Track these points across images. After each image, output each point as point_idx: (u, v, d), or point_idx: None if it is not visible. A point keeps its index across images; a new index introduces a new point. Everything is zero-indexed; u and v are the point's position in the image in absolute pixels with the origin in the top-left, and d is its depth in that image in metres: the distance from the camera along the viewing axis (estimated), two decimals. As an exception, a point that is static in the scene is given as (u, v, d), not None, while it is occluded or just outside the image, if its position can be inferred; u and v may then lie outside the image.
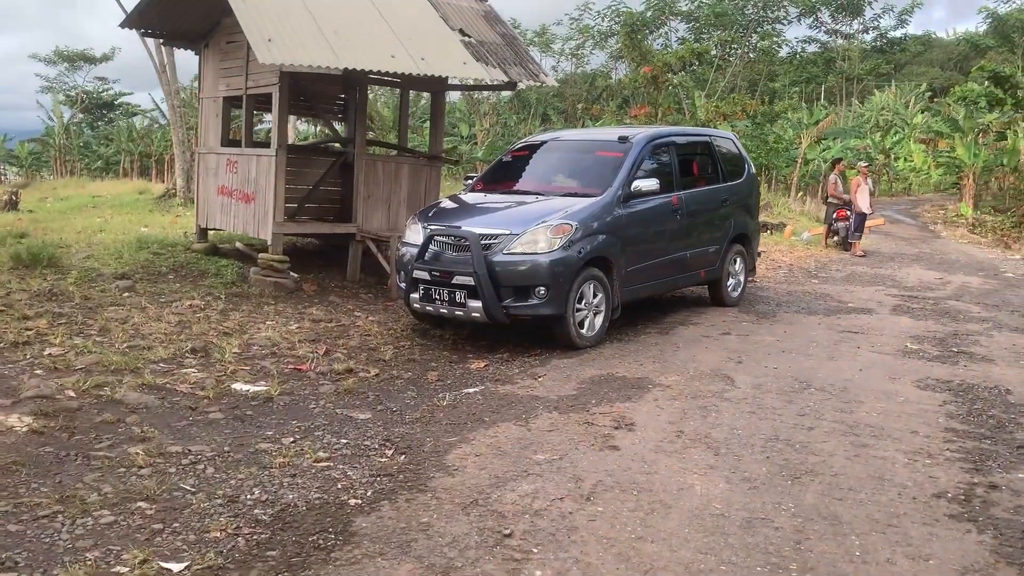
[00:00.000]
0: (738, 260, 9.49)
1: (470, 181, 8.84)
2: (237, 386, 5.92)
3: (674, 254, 8.37)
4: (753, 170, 10.08)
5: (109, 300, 8.15)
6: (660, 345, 7.48)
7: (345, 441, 4.89)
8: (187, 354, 6.61)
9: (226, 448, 4.68)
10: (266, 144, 10.00)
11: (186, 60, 54.42)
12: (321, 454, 4.63)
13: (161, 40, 10.55)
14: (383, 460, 4.58)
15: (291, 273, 9.31)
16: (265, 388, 5.88)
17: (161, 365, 6.30)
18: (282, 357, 6.80)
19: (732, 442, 4.99)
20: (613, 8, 37.03)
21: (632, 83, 27.62)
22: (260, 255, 9.24)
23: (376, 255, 9.66)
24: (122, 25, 9.77)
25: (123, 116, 58.74)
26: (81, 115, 58.29)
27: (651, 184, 7.71)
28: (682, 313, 8.95)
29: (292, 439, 4.89)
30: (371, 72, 8.98)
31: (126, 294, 8.46)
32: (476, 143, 36.27)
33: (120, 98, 59.94)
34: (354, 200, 9.87)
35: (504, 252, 7.04)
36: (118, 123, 56.65)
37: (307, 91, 11.02)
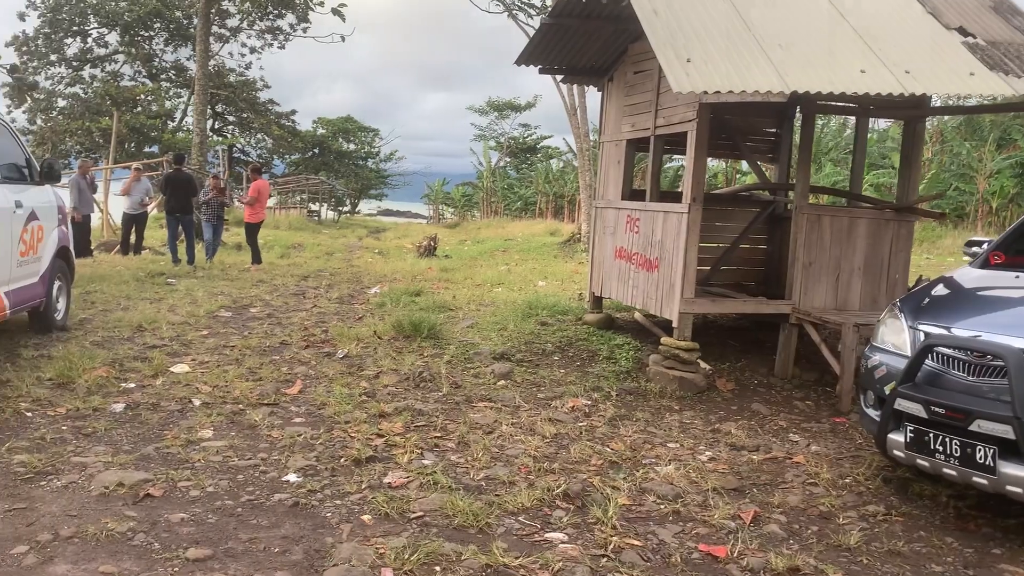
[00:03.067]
0: None
1: (977, 249, 5.83)
2: (620, 585, 3.80)
3: None
4: None
5: (480, 392, 6.65)
6: None
7: None
8: (557, 500, 4.69)
9: None
10: (676, 196, 7.97)
11: (598, 103, 56.01)
12: None
13: (561, 77, 9.09)
14: None
15: (701, 364, 7.09)
16: (662, 598, 3.67)
17: (520, 520, 4.44)
18: (688, 521, 4.56)
19: None
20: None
21: None
22: (663, 340, 7.16)
23: (819, 345, 7.04)
24: (518, 62, 8.49)
25: (542, 159, 62.51)
26: (507, 159, 63.26)
27: None
28: None
29: None
30: (823, 96, 6.46)
31: (500, 382, 6.92)
32: (912, 177, 31.03)
33: (541, 142, 64.02)
34: (789, 268, 7.38)
35: (1075, 386, 4.04)
36: (537, 166, 60.32)
37: (728, 126, 8.80)
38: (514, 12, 24.03)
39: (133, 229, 17.14)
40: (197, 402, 6.15)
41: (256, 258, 15.58)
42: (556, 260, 20.44)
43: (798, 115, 8.47)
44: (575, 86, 22.09)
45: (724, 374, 7.42)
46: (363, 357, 7.63)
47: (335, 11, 22.36)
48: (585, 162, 23.08)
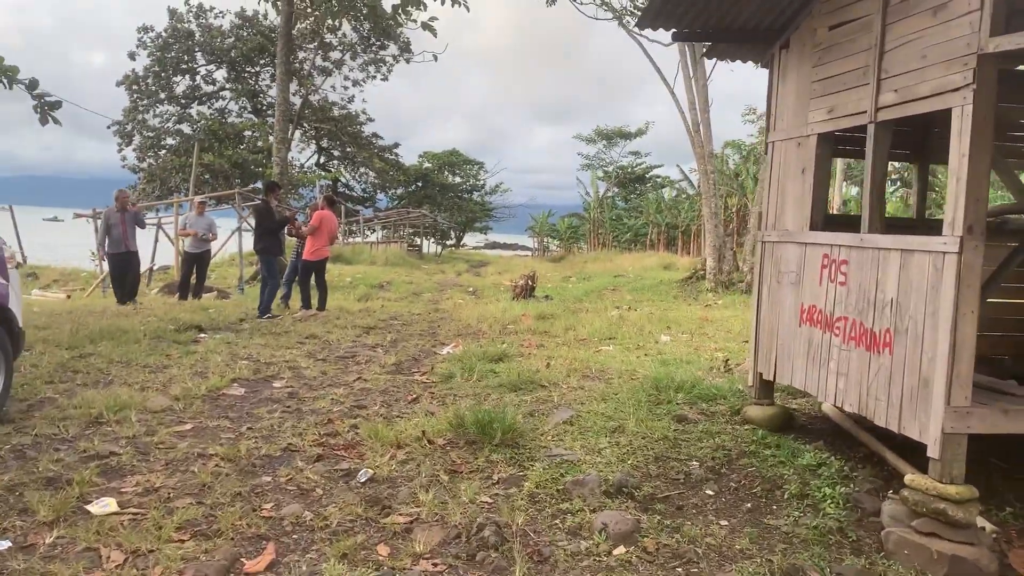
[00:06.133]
0: None
1: None
2: None
3: None
4: None
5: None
6: None
7: None
8: None
9: None
10: (926, 225, 4.88)
11: (721, 122, 52.64)
12: None
13: (704, 50, 6.14)
14: None
15: (981, 523, 3.94)
16: None
17: None
18: None
19: None
20: None
21: None
22: (911, 480, 4.03)
23: None
24: (641, 23, 5.61)
25: (652, 188, 59.19)
26: (615, 189, 60.21)
27: None
28: None
29: None
30: None
31: (618, 551, 3.95)
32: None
33: (651, 171, 60.76)
34: None
35: None
36: (647, 195, 57.03)
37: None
38: (625, 20, 21.21)
39: (195, 270, 15.11)
40: (79, 595, 3.47)
41: (307, 302, 13.17)
42: (677, 302, 17.28)
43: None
44: (697, 94, 18.98)
45: (1013, 535, 4.21)
46: (396, 483, 4.81)
47: (425, 25, 20.04)
48: (709, 186, 19.87)
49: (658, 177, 60.47)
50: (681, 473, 4.90)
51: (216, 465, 5.12)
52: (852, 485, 4.64)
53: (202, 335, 10.07)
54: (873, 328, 4.40)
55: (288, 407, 6.55)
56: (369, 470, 4.93)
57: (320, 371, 7.99)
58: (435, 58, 23.15)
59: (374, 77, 43.80)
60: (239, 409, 6.50)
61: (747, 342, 10.66)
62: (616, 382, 7.30)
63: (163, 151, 42.21)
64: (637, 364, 8.36)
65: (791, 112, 5.48)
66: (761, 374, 5.74)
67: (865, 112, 4.60)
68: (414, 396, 6.91)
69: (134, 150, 42.24)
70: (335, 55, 42.91)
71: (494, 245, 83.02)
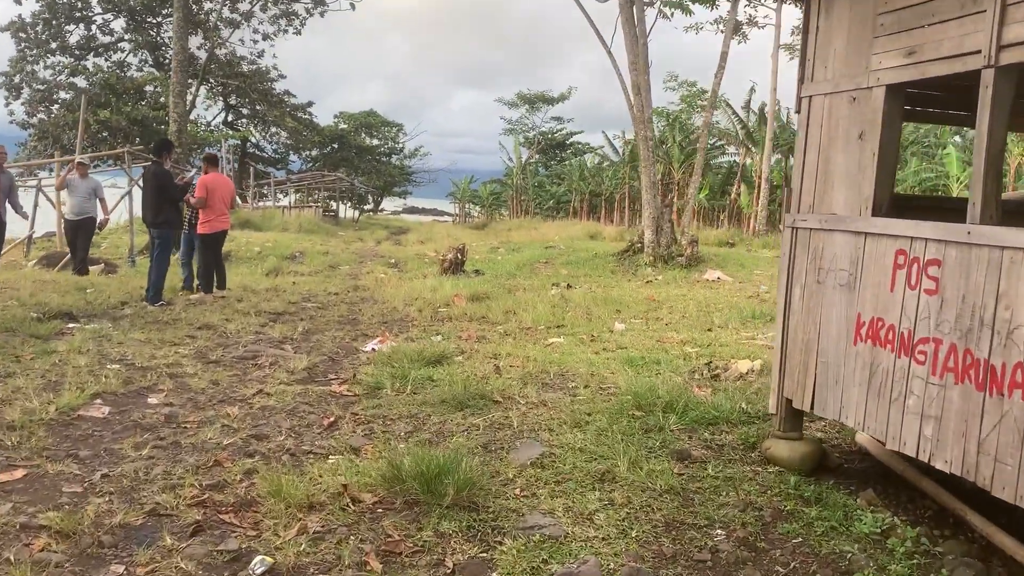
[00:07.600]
0: None
1: None
2: None
3: None
4: None
5: None
6: None
7: None
8: None
9: None
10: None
11: (660, 86, 51.47)
12: None
13: None
14: None
15: None
16: None
17: None
18: None
19: None
20: None
21: None
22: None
23: None
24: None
25: (574, 155, 58.20)
26: (537, 155, 58.94)
27: None
28: None
29: None
30: None
31: None
32: None
33: (572, 137, 59.77)
34: None
35: None
36: (569, 162, 56.01)
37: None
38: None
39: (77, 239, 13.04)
40: None
41: (208, 285, 11.36)
42: (616, 278, 16.06)
43: None
44: (637, 55, 17.64)
45: None
46: (308, 577, 3.33)
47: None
48: (648, 154, 18.64)
49: (579, 143, 59.53)
50: (706, 550, 3.56)
51: (45, 546, 3.53)
52: (944, 570, 3.38)
53: (71, 325, 8.28)
54: (991, 360, 3.12)
55: (162, 438, 4.94)
56: (267, 559, 3.42)
57: (210, 380, 6.36)
58: (352, 7, 21.25)
59: (286, 31, 40.91)
60: (95, 443, 4.86)
61: (711, 331, 9.48)
62: (584, 394, 5.94)
63: (56, 106, 38.61)
64: (600, 364, 7.02)
65: (840, 57, 4.13)
66: (790, 400, 4.43)
67: (979, 52, 3.27)
68: (331, 419, 5.38)
69: (23, 104, 38.51)
70: (244, 6, 39.84)
71: (413, 210, 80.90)
